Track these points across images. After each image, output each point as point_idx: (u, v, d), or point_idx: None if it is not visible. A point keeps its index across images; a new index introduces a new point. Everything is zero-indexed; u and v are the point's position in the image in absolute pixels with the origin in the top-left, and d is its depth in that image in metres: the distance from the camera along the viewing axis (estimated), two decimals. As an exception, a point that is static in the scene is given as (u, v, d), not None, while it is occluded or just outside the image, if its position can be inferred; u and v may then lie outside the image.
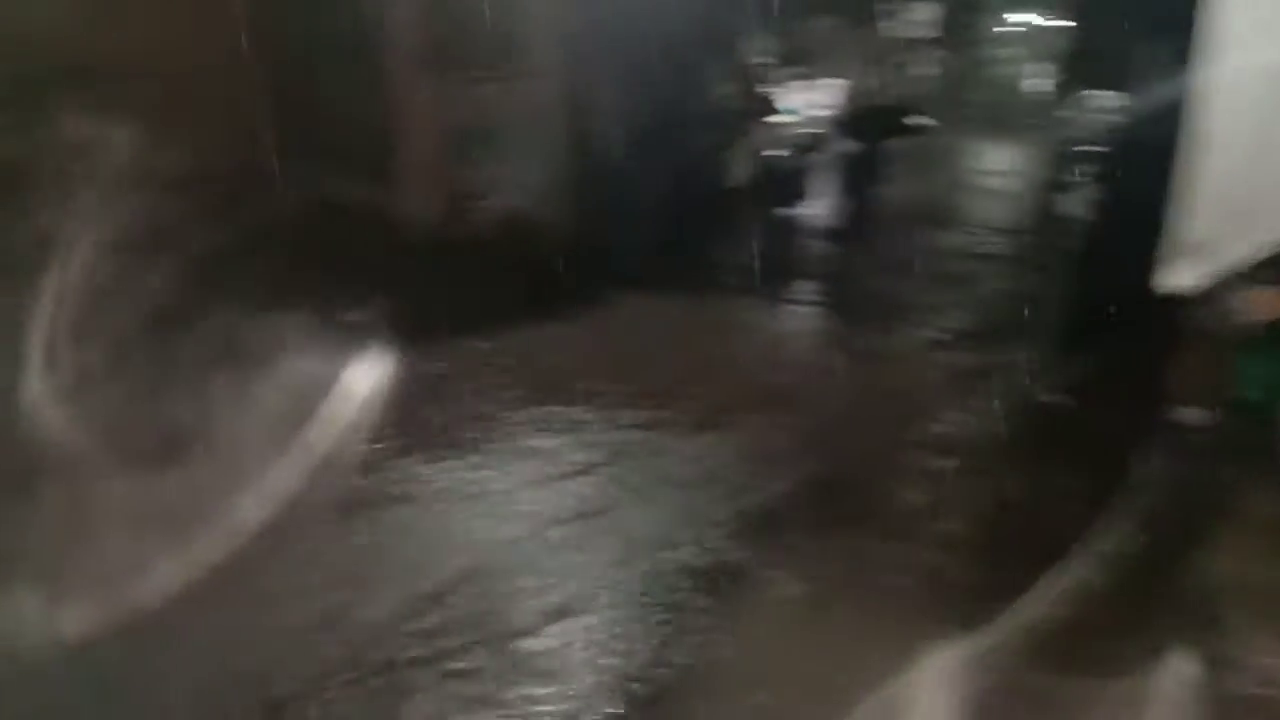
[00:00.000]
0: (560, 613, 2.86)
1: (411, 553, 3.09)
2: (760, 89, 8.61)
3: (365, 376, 4.17)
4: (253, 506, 3.11)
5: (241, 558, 2.90)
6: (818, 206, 8.32)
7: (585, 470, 3.71)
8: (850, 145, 10.32)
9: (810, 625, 2.91)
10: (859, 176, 9.07)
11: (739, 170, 8.01)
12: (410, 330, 4.81)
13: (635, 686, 2.58)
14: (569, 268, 5.57)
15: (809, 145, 8.65)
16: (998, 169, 11.10)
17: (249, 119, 5.29)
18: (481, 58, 5.91)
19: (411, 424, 3.95)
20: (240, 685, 2.47)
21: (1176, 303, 4.44)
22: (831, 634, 2.88)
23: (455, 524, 3.28)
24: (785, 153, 8.34)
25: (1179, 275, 2.54)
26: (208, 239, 4.56)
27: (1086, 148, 9.31)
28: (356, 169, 5.29)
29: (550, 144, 6.08)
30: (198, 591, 2.76)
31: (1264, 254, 3.03)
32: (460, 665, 2.59)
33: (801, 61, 9.52)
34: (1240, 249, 2.87)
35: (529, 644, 2.71)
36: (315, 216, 5.10)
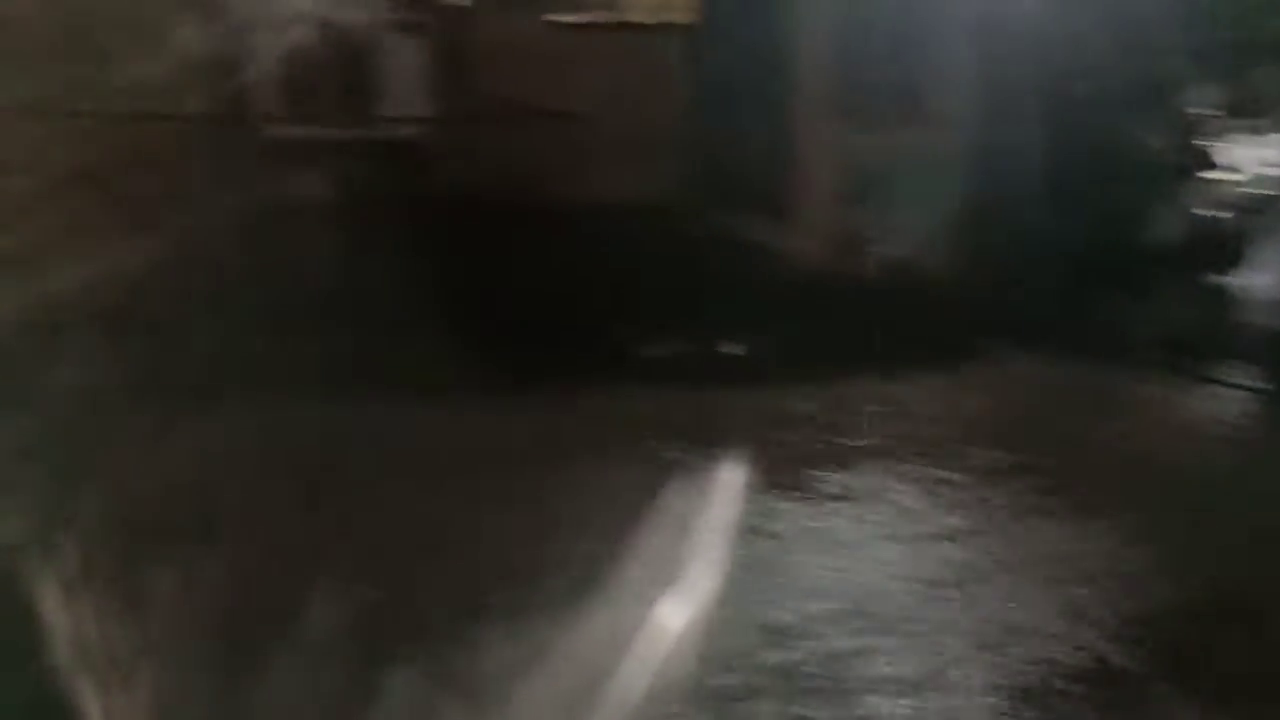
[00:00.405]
0: (912, 685, 2.73)
1: (766, 587, 3.13)
2: (1199, 141, 7.72)
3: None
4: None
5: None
6: (1261, 276, 7.27)
7: (952, 536, 3.54)
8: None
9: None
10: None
11: (1166, 230, 7.23)
12: (791, 367, 4.91)
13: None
14: (960, 319, 5.36)
15: (1255, 207, 7.60)
16: None
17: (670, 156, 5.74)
18: (887, 103, 5.90)
19: (776, 461, 4.00)
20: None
21: None
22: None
23: (811, 567, 3.27)
24: (1224, 213, 7.40)
25: None
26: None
27: None
28: (759, 207, 5.50)
29: (952, 192, 5.90)
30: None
31: None
32: (800, 710, 2.58)
33: (1252, 113, 8.40)
34: None
35: (872, 706, 2.63)
36: (713, 249, 5.38)
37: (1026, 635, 2.97)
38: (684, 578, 3.10)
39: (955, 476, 3.97)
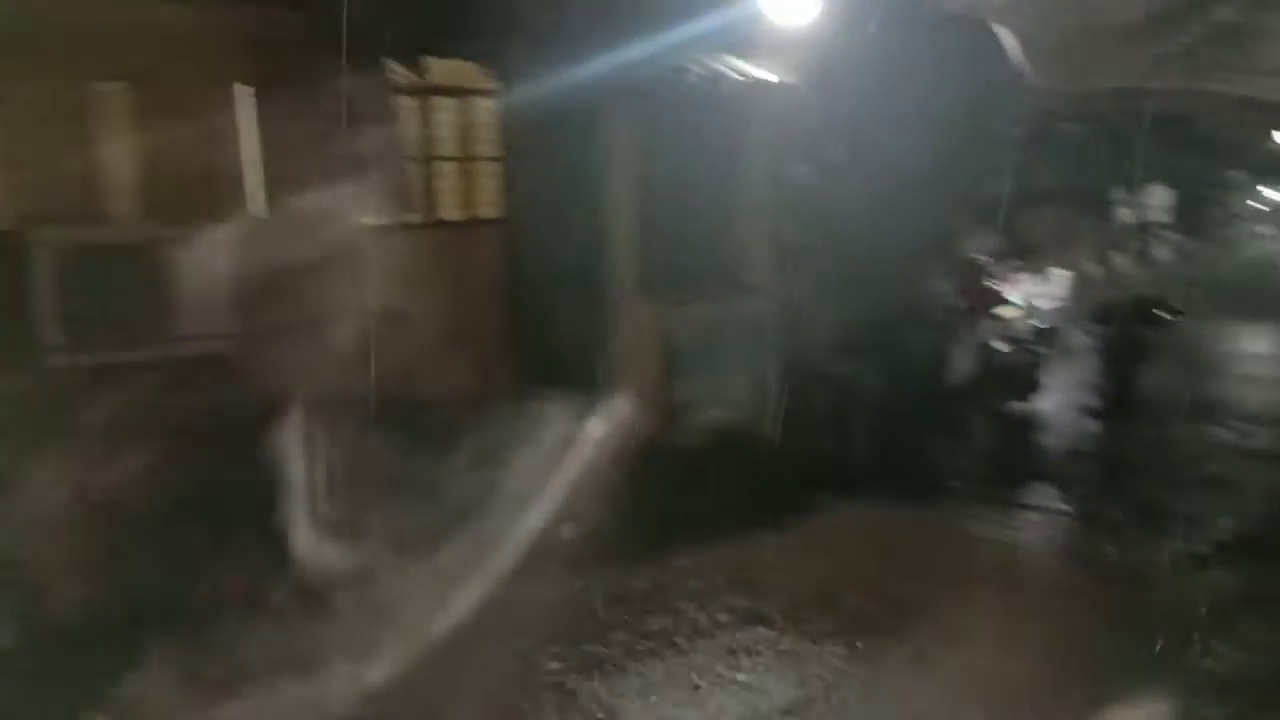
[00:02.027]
0: None
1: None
2: (986, 283, 8.36)
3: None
4: None
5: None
6: (1051, 403, 7.82)
7: (792, 711, 3.48)
8: (1086, 337, 9.76)
9: None
10: (1099, 370, 8.52)
11: (965, 368, 7.71)
12: (623, 545, 4.84)
13: None
14: (783, 477, 5.48)
15: (1040, 339, 8.23)
16: (1257, 356, 10.04)
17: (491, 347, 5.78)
18: (697, 278, 6.16)
19: (606, 644, 3.88)
20: None
21: None
22: None
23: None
24: (1014, 347, 7.96)
25: None
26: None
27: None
28: (583, 388, 5.53)
29: (764, 355, 6.14)
30: None
31: None
32: None
33: (1029, 254, 9.21)
34: None
35: None
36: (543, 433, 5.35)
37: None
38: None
39: (794, 644, 3.94)
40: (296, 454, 4.58)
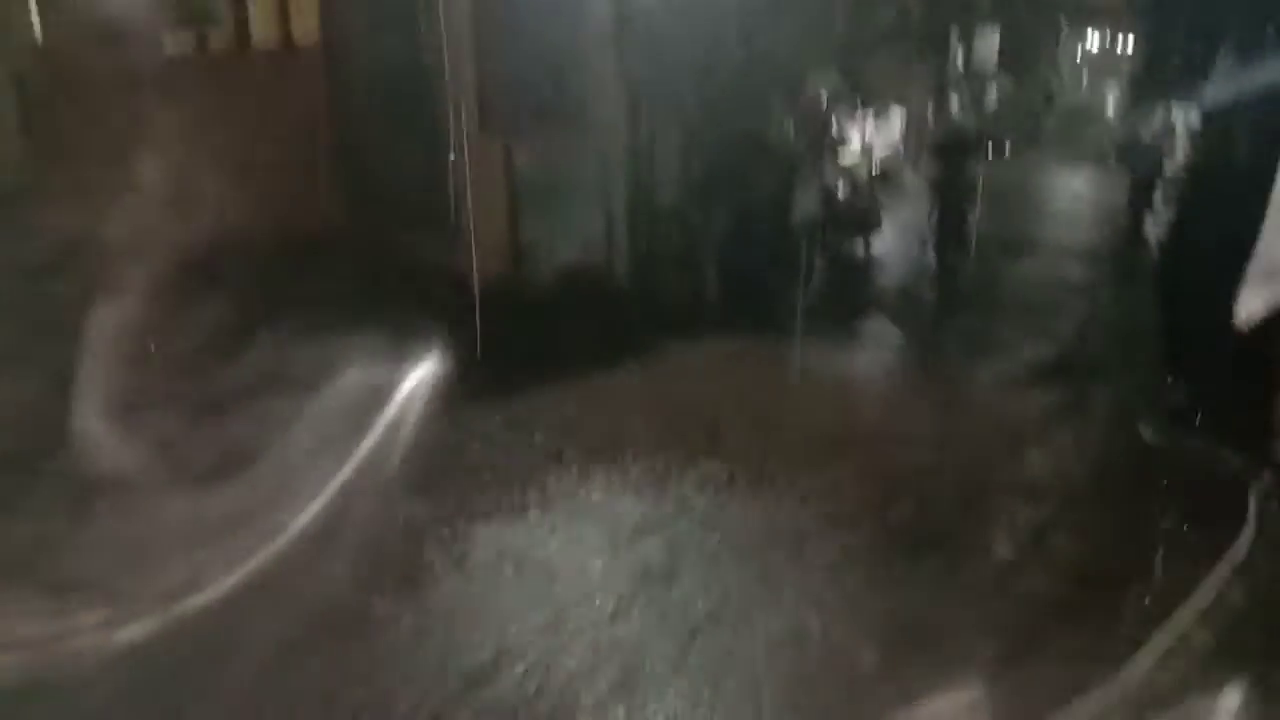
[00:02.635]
0: (623, 690, 2.65)
1: (461, 624, 2.92)
2: (827, 124, 8.39)
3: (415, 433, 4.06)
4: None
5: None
6: (891, 241, 8.04)
7: (646, 533, 3.51)
8: (922, 177, 10.02)
9: (889, 691, 2.65)
10: (933, 208, 8.78)
11: (808, 208, 7.79)
12: (468, 385, 4.72)
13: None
14: (631, 317, 5.42)
15: (878, 179, 8.40)
16: (1076, 195, 10.64)
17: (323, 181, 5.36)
18: (539, 114, 5.86)
19: (465, 484, 3.81)
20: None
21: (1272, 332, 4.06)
22: (911, 700, 2.62)
23: (506, 593, 3.11)
24: (855, 187, 8.09)
25: (1255, 302, 2.24)
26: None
27: (1167, 169, 8.85)
28: (425, 226, 5.25)
29: (610, 193, 5.96)
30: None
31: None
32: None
33: (869, 95, 9.29)
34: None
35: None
36: (384, 272, 5.08)
37: (729, 616, 2.99)
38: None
39: (646, 474, 3.96)
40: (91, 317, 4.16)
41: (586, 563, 3.29)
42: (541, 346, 5.03)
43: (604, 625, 2.95)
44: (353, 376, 4.18)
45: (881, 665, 2.80)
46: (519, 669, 2.71)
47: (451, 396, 4.20)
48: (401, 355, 4.37)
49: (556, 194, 5.72)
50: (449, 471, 3.85)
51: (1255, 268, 2.15)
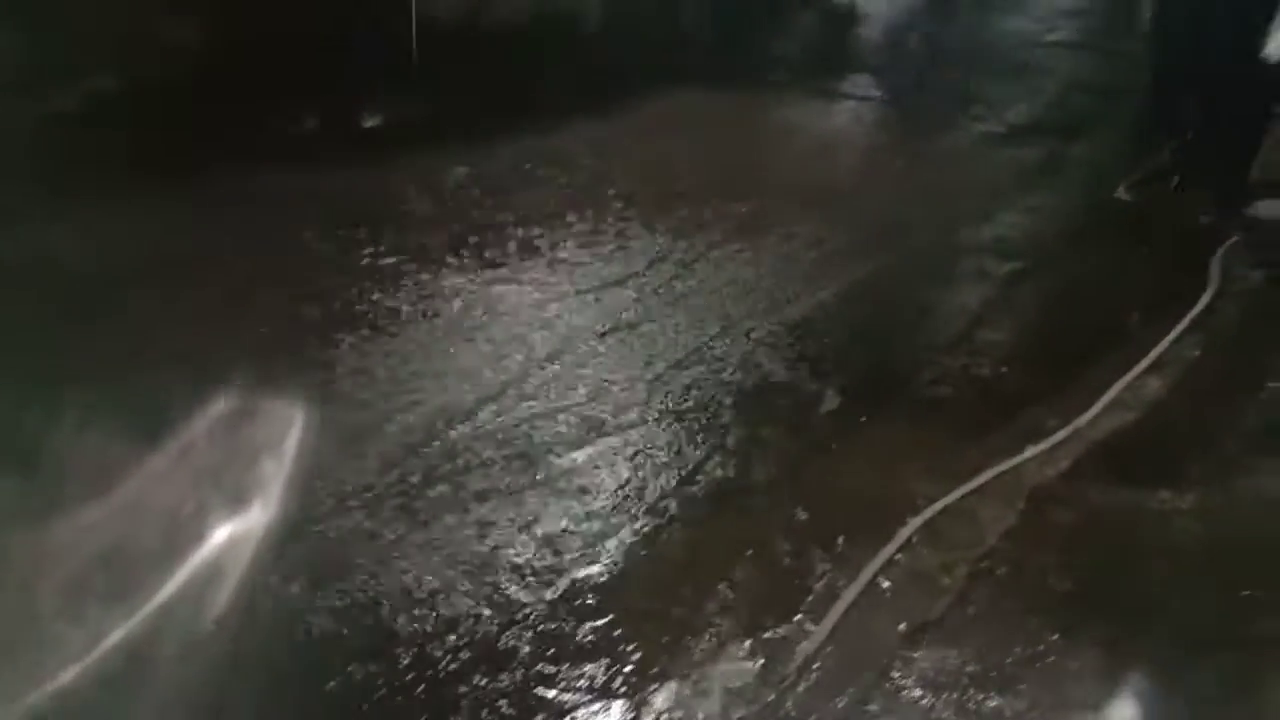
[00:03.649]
0: (591, 429, 2.66)
1: (437, 370, 2.89)
2: None
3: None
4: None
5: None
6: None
7: (620, 282, 3.44)
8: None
9: (853, 441, 2.69)
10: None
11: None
12: (435, 131, 4.50)
13: (667, 504, 2.41)
14: (604, 62, 5.11)
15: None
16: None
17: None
18: None
19: (435, 234, 3.68)
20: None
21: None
22: (876, 450, 2.66)
23: (480, 340, 3.06)
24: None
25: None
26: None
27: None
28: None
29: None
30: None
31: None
32: (485, 485, 2.43)
33: None
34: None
35: (558, 462, 2.53)
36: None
37: (697, 361, 2.98)
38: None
39: (619, 223, 3.85)
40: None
41: (561, 309, 3.24)
42: (506, 97, 4.76)
43: (573, 370, 2.93)
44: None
45: (840, 411, 2.83)
46: (498, 407, 2.72)
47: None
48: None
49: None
50: (425, 228, 3.70)
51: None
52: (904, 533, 2.31)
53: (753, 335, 3.15)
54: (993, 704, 1.88)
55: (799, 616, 2.05)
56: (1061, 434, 2.71)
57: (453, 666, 1.91)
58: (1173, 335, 3.21)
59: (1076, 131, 5.07)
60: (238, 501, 2.30)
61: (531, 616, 2.04)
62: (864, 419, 2.77)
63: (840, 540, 2.27)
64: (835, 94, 5.65)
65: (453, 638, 1.98)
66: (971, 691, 1.90)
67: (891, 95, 5.68)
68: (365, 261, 3.45)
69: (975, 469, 2.53)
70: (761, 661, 1.94)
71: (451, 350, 2.98)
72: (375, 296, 3.24)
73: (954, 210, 4.19)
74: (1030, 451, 2.64)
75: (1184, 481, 2.52)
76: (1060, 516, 2.42)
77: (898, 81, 5.90)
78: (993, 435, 2.71)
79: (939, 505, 2.40)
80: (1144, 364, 3.05)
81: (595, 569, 2.17)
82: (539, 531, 2.28)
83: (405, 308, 3.19)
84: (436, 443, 2.55)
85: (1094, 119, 5.29)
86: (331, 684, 1.86)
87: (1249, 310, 3.43)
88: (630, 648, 1.97)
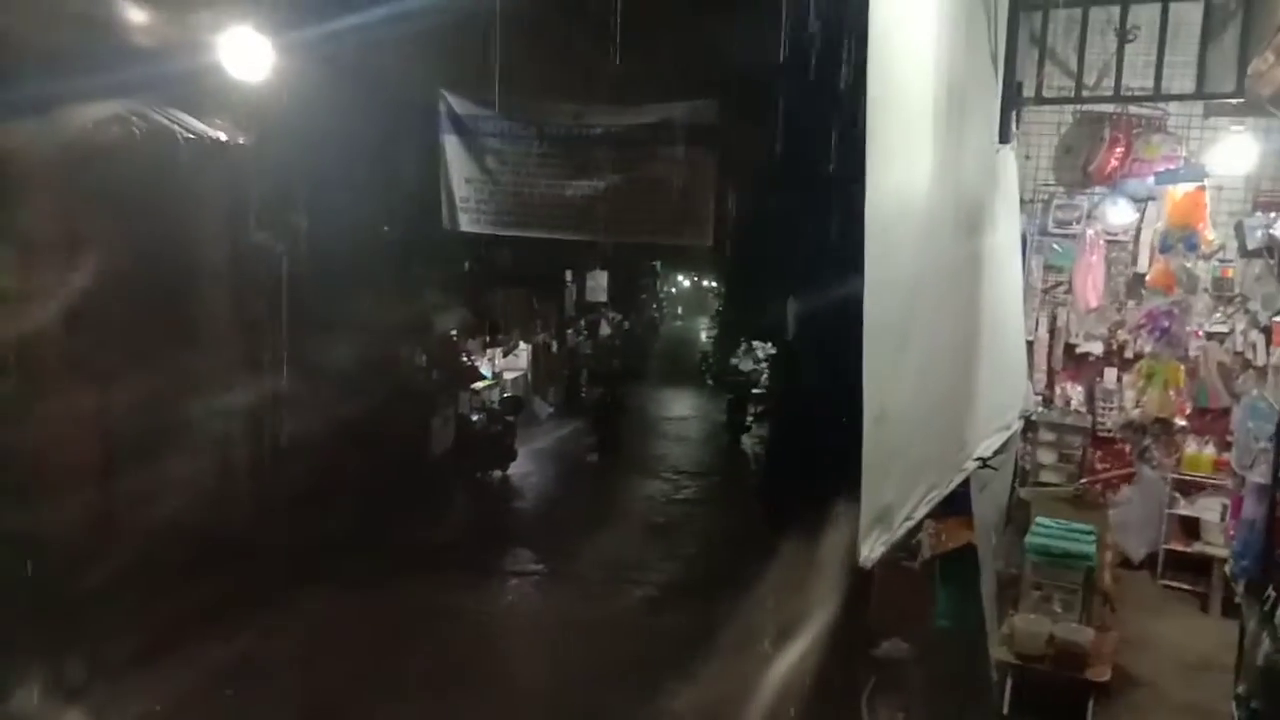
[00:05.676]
0: None
1: None
2: (459, 356, 8.35)
3: None
4: None
5: None
6: (521, 469, 8.04)
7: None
8: (548, 405, 10.33)
9: None
10: (577, 432, 9.01)
11: (444, 439, 7.58)
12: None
13: None
14: (251, 575, 4.73)
15: (509, 408, 8.43)
16: (682, 418, 11.49)
17: None
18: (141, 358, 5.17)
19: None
20: None
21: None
22: None
23: None
24: (487, 417, 8.04)
25: (872, 547, 2.38)
26: None
27: (759, 393, 9.87)
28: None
29: (224, 438, 5.33)
30: None
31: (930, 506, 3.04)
32: None
33: (495, 330, 9.50)
34: (913, 507, 2.83)
35: None
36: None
37: None
38: None
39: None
40: None
41: None
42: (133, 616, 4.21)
43: None
44: None
45: None
46: None
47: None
48: None
49: (149, 449, 4.88)
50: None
51: (865, 515, 2.27)
52: None
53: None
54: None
55: None
56: None
57: None
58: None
59: (712, 590, 5.29)
60: None
61: None
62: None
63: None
64: (497, 572, 5.68)
65: None
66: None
67: (549, 567, 5.80)
68: None
69: None
70: None
71: None
72: None
73: (622, 682, 4.14)
74: None
75: None
76: None
77: (553, 552, 6.05)
78: None
79: None
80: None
81: None
82: None
83: None
84: None
85: (728, 575, 5.61)
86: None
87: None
88: None
